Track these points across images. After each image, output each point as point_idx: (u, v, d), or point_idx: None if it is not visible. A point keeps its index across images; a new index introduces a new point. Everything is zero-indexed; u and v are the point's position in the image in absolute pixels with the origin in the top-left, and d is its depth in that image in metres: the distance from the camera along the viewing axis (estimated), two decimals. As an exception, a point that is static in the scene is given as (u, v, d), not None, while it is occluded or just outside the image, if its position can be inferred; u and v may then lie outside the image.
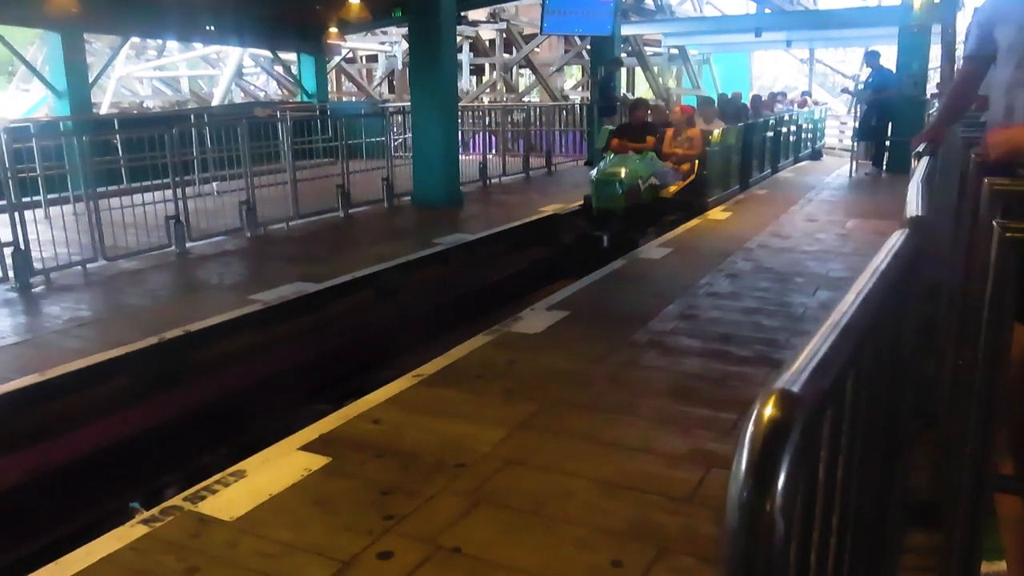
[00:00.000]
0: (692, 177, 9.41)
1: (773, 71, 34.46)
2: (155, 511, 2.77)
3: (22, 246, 6.03)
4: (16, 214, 6.02)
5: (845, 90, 17.98)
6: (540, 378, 3.98)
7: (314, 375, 5.44)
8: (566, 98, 20.95)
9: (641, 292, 5.73)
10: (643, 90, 23.27)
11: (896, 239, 1.06)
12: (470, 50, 22.92)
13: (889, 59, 12.70)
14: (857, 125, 12.80)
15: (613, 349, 4.39)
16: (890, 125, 12.18)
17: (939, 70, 13.37)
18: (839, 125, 20.62)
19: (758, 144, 12.14)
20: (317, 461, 3.09)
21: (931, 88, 13.34)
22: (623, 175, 8.36)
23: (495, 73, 23.14)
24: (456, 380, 3.96)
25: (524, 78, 25.35)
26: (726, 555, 0.51)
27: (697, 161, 9.46)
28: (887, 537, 1.25)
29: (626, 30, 17.26)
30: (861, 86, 13.63)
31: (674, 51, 22.32)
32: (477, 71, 24.82)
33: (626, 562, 2.40)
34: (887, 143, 12.32)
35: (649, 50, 21.96)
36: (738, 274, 6.10)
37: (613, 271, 6.40)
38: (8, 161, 6.10)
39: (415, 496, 2.80)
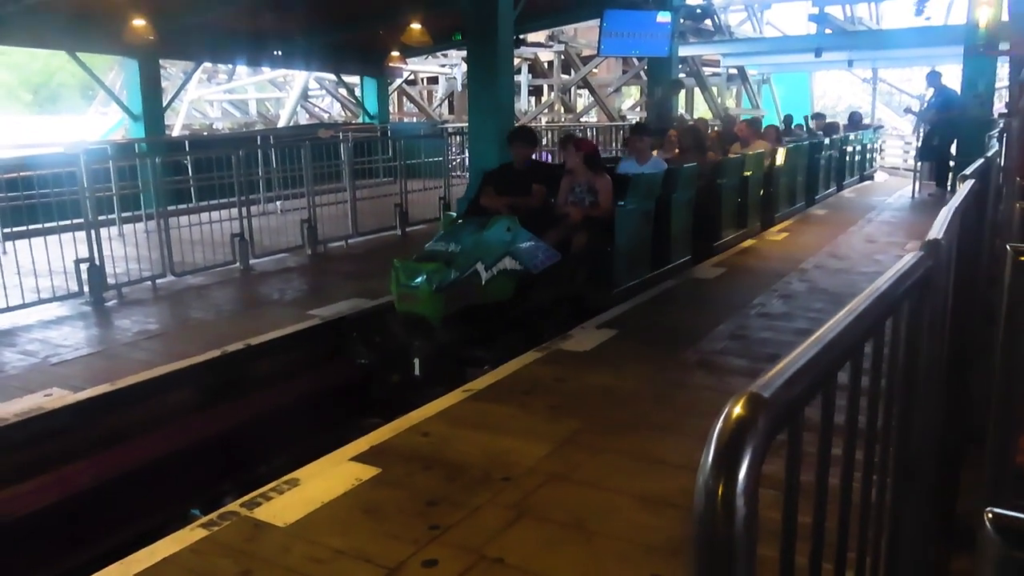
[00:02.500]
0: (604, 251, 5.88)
1: (836, 91, 33.98)
2: (213, 516, 2.90)
3: (97, 262, 6.34)
4: (93, 232, 6.34)
5: (908, 110, 17.61)
6: (587, 395, 4.03)
7: (365, 390, 5.57)
8: (623, 118, 20.97)
9: (692, 312, 5.74)
10: (702, 110, 23.20)
11: (906, 261, 1.10)
12: (529, 71, 23.15)
13: (955, 79, 12.40)
14: (920, 145, 12.53)
15: (661, 368, 4.41)
16: (954, 145, 11.90)
17: (1008, 90, 13.01)
18: (903, 145, 20.19)
19: (732, 192, 8.16)
20: (367, 471, 3.20)
21: (999, 108, 12.98)
22: (448, 261, 4.99)
23: (553, 94, 23.32)
24: (504, 395, 4.04)
25: (582, 98, 25.50)
26: (692, 537, 0.58)
27: (598, 228, 5.87)
28: (902, 554, 1.28)
29: (684, 51, 17.23)
30: (924, 106, 13.34)
31: (733, 71, 22.20)
32: (536, 92, 25.05)
33: (665, 577, 2.44)
34: (951, 163, 12.03)
35: (708, 70, 21.89)
36: (792, 295, 6.05)
37: (664, 290, 6.40)
38: (87, 181, 6.43)
39: (461, 507, 2.88)
